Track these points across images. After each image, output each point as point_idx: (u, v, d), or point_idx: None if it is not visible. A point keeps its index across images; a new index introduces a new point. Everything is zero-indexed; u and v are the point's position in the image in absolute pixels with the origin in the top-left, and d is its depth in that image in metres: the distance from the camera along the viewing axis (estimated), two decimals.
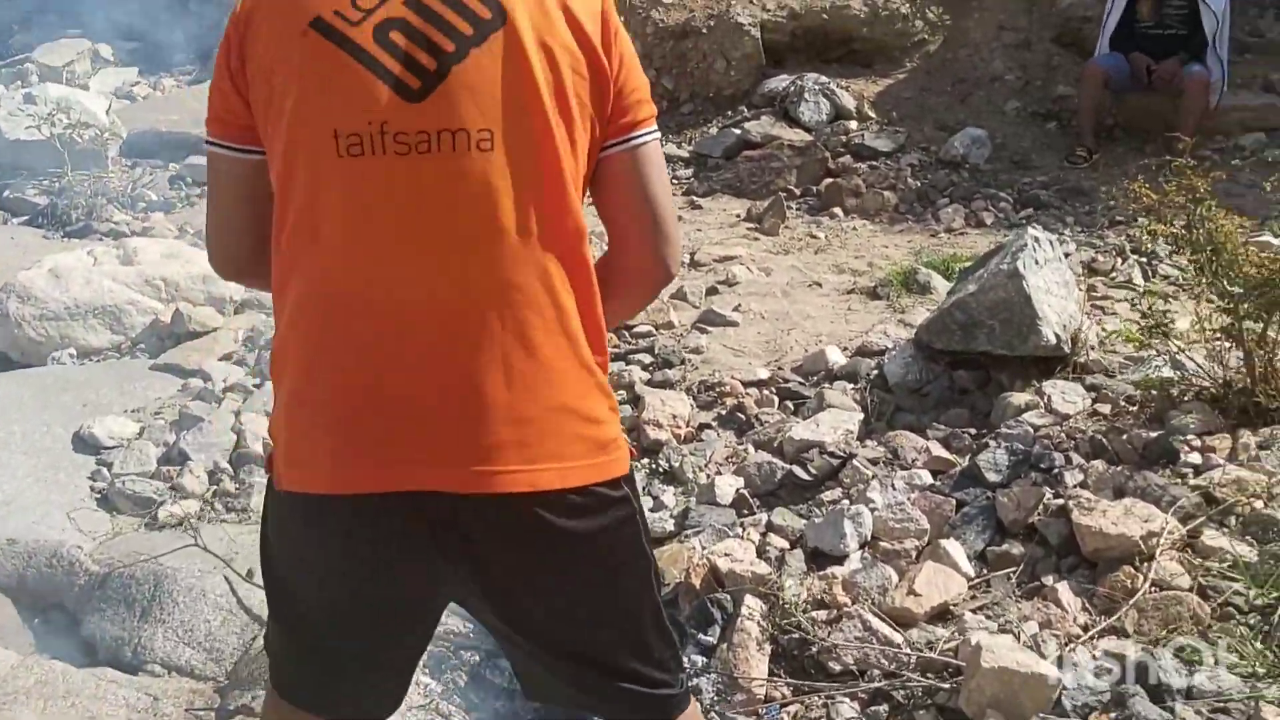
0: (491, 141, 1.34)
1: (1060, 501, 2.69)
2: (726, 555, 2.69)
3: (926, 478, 2.96)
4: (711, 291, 4.59)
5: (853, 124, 6.54)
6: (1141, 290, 4.40)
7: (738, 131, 6.50)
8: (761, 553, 2.73)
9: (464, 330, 1.36)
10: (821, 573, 2.62)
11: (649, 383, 3.77)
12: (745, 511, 3.01)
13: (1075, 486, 2.77)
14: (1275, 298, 2.86)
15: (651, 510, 3.07)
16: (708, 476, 3.21)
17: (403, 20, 1.35)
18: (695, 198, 6.08)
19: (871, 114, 6.70)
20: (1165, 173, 2.99)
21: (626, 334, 4.13)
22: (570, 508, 1.39)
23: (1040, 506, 2.69)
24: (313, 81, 1.35)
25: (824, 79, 6.75)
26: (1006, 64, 7.08)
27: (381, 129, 1.33)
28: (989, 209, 5.69)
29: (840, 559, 2.67)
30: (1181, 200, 2.81)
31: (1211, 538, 2.47)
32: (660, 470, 3.30)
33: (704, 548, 2.80)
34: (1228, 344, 3.04)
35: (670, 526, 3.02)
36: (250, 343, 4.47)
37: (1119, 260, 4.79)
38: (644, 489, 3.15)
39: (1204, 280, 2.98)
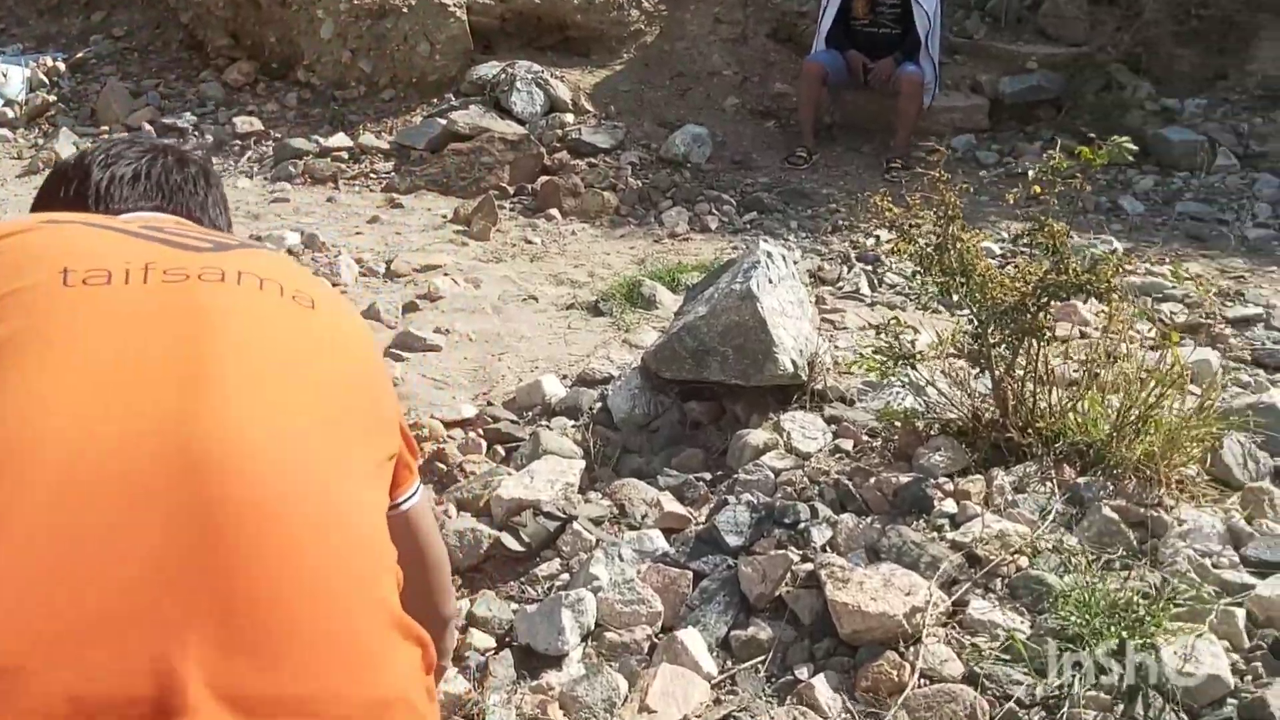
0: (314, 305, 1.07)
1: (810, 567, 2.31)
2: None
3: (659, 540, 2.51)
4: (410, 308, 3.97)
5: (569, 117, 6.09)
6: (869, 302, 4.20)
7: (444, 121, 5.89)
8: (458, 659, 2.18)
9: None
10: (535, 682, 2.11)
11: None
12: None
13: (824, 545, 2.40)
14: (1025, 323, 2.60)
15: None
16: None
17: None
18: (396, 195, 5.44)
19: (589, 107, 6.27)
20: (918, 184, 2.67)
21: None
22: None
23: (788, 575, 2.30)
24: (39, 242, 1.04)
25: (537, 68, 6.25)
26: (724, 59, 6.85)
27: (146, 267, 1.01)
28: (713, 212, 5.38)
29: (558, 659, 2.17)
30: (931, 217, 2.48)
31: (979, 609, 2.15)
32: None
33: None
34: (974, 370, 2.78)
35: None
36: None
37: (845, 268, 4.57)
38: None
39: (954, 300, 2.69)
